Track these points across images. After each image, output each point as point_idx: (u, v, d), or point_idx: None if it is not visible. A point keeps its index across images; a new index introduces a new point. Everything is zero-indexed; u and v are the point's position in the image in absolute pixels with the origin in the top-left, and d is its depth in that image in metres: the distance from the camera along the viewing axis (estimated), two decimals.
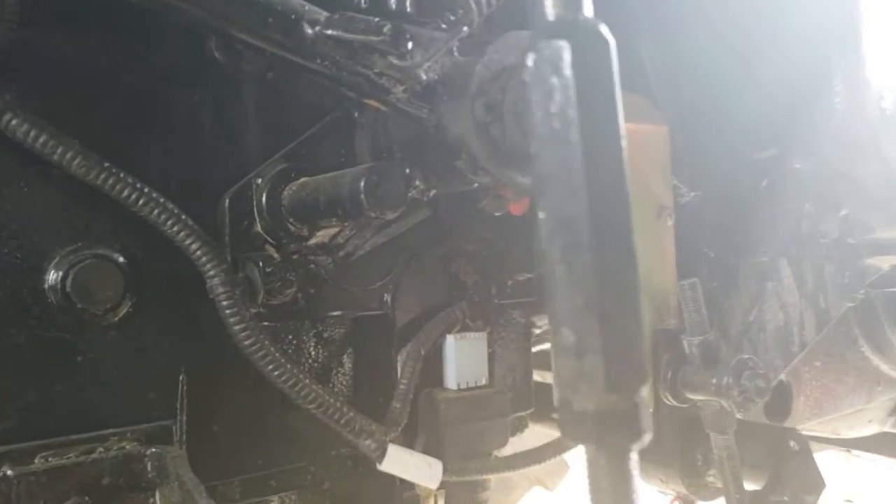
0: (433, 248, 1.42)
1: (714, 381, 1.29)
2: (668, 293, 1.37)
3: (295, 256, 1.24)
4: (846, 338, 1.91)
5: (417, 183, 1.22)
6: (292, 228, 1.22)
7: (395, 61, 0.99)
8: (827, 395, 1.94)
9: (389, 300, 1.37)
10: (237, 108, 1.26)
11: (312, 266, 1.28)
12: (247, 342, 1.13)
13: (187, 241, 1.11)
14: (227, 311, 1.12)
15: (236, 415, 1.24)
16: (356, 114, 1.29)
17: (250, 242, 1.23)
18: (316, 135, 1.29)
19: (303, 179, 1.20)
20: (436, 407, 1.34)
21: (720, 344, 1.32)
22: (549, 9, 0.65)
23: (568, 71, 0.63)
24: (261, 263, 1.16)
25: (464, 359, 1.37)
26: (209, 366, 1.21)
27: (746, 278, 1.42)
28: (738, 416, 1.30)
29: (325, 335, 1.33)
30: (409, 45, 1.00)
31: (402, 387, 1.31)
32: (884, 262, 1.59)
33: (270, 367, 1.14)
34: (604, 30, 0.64)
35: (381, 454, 1.20)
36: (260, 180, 1.23)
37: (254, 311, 1.23)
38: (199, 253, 1.11)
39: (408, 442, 1.35)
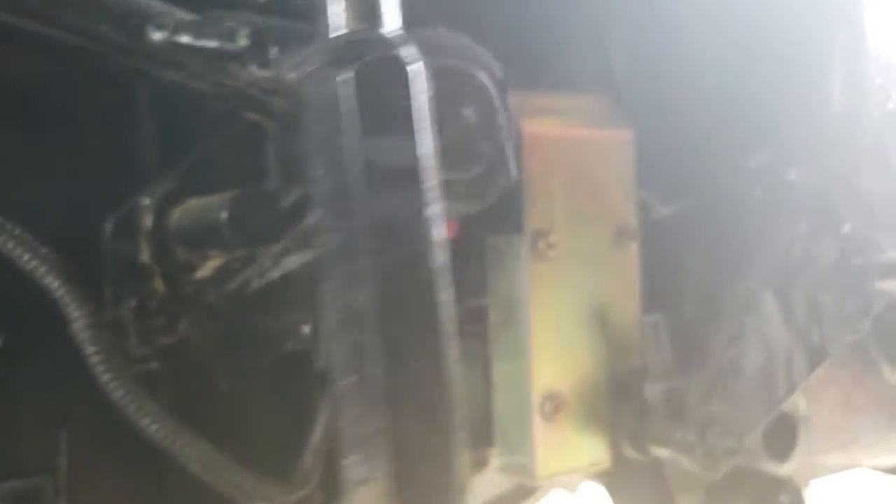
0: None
1: (678, 435, 1.10)
2: (631, 328, 1.18)
3: (189, 289, 1.08)
4: (863, 361, 1.68)
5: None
6: (181, 257, 1.06)
7: (257, 71, 0.82)
8: (841, 426, 1.72)
9: (310, 337, 1.21)
10: (127, 117, 1.11)
11: (211, 300, 1.12)
12: (116, 393, 0.98)
13: (46, 277, 0.96)
14: (93, 358, 0.97)
15: (127, 471, 1.10)
16: (266, 123, 1.12)
17: (137, 275, 1.08)
18: (216, 148, 1.12)
19: (190, 201, 1.05)
20: None
21: (688, 391, 1.12)
22: (336, 20, 0.47)
23: (346, 111, 0.46)
24: (133, 302, 1.00)
25: None
26: (96, 416, 1.06)
27: (729, 311, 1.22)
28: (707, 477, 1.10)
29: (227, 379, 1.17)
30: (274, 51, 0.83)
31: (314, 438, 1.15)
32: None
33: (144, 420, 0.99)
34: (406, 53, 0.46)
35: None
36: (147, 202, 1.07)
37: (141, 352, 1.09)
38: (60, 291, 0.96)
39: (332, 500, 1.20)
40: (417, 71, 0.47)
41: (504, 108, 0.97)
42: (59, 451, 1.06)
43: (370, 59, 0.45)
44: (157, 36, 0.82)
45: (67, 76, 1.07)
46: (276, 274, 1.10)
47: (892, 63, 1.17)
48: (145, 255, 1.07)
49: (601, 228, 1.15)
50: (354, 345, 0.46)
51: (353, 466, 0.46)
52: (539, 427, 1.10)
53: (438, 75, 0.88)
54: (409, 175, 0.47)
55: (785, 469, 1.62)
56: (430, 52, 0.90)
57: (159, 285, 1.07)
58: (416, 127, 0.47)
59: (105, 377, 0.97)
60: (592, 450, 1.15)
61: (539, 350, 1.10)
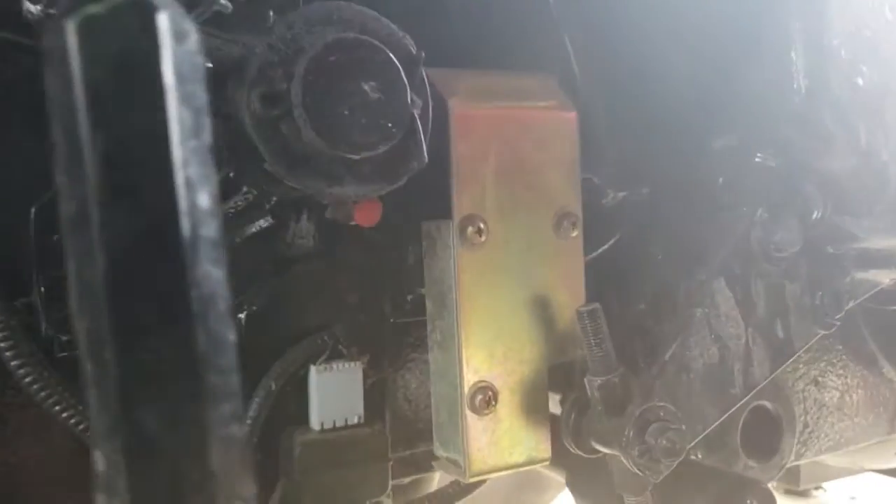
0: (303, 262, 1.22)
1: (617, 432, 1.04)
2: (573, 320, 1.11)
3: None
4: (861, 356, 1.59)
5: (246, 190, 1.03)
6: None
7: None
8: (837, 426, 1.63)
9: (243, 324, 1.18)
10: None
11: None
12: (26, 379, 0.96)
13: None
14: (2, 344, 0.96)
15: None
16: None
17: (60, 261, 1.06)
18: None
19: None
20: (290, 451, 1.14)
21: (630, 386, 1.06)
22: None
23: (77, 64, 0.42)
24: (42, 288, 0.99)
25: (329, 393, 1.16)
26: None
27: (682, 303, 1.14)
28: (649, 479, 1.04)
29: None
30: None
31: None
32: (882, 277, 1.27)
33: (56, 408, 0.98)
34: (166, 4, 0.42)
35: None
36: None
37: (64, 338, 1.08)
38: None
39: (268, 495, 1.17)
40: (174, 24, 0.42)
41: (414, 85, 0.92)
42: None
43: (110, 3, 0.41)
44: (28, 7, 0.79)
45: None
46: None
47: (860, 35, 1.08)
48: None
49: (539, 214, 1.09)
50: (89, 327, 0.42)
51: (96, 460, 0.42)
52: (470, 421, 1.05)
53: (335, 48, 0.85)
54: (152, 139, 0.42)
55: (768, 471, 1.54)
56: (327, 24, 0.87)
57: None
58: (165, 86, 0.42)
59: (13, 363, 0.96)
60: (529, 446, 1.10)
61: (469, 341, 1.05)
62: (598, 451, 1.10)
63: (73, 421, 0.98)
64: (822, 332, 1.22)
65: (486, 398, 1.05)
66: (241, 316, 1.18)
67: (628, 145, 1.23)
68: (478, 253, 1.05)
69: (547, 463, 1.12)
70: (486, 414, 1.06)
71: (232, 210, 1.04)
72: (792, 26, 1.06)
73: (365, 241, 1.25)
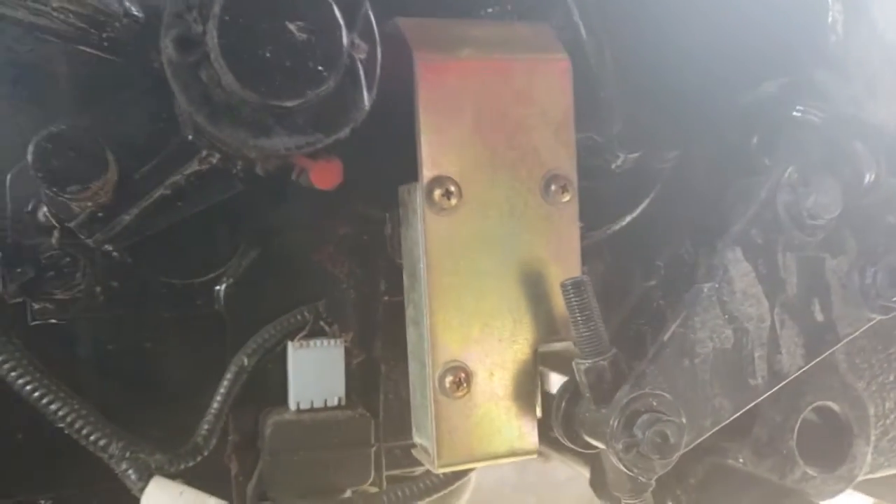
0: (288, 232, 1.15)
1: (604, 423, 0.90)
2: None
3: (90, 242, 1.02)
4: None
5: (205, 153, 0.97)
6: (75, 209, 1.01)
7: None
8: None
9: (222, 297, 1.13)
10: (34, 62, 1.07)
11: (115, 255, 1.07)
12: None
13: None
14: None
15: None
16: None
17: (37, 228, 1.05)
18: (126, 98, 1.06)
19: None
20: (263, 431, 1.08)
21: (622, 371, 0.92)
22: None
23: None
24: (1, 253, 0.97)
25: (306, 372, 1.09)
26: None
27: (697, 279, 0.99)
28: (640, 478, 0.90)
29: (133, 337, 1.11)
30: None
31: (213, 407, 1.06)
32: None
33: (12, 374, 0.95)
34: None
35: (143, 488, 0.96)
36: None
37: (38, 306, 1.06)
38: None
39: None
40: None
41: (357, 26, 0.83)
42: None
43: None
44: None
45: None
46: (157, 225, 1.02)
47: None
48: (44, 208, 1.03)
49: (524, 176, 0.97)
50: None
51: None
52: (439, 404, 0.95)
53: None
54: None
55: (833, 482, 1.34)
56: None
57: (56, 238, 1.03)
58: None
59: None
60: (511, 435, 0.98)
61: (438, 316, 0.95)
62: (593, 446, 0.96)
63: (32, 391, 0.96)
64: (878, 318, 1.02)
65: (456, 379, 0.95)
66: (220, 288, 1.13)
67: (642, 102, 1.09)
68: (449, 218, 0.95)
69: (534, 455, 1.00)
70: (459, 397, 0.95)
71: (194, 177, 0.99)
72: None
73: (355, 209, 1.17)
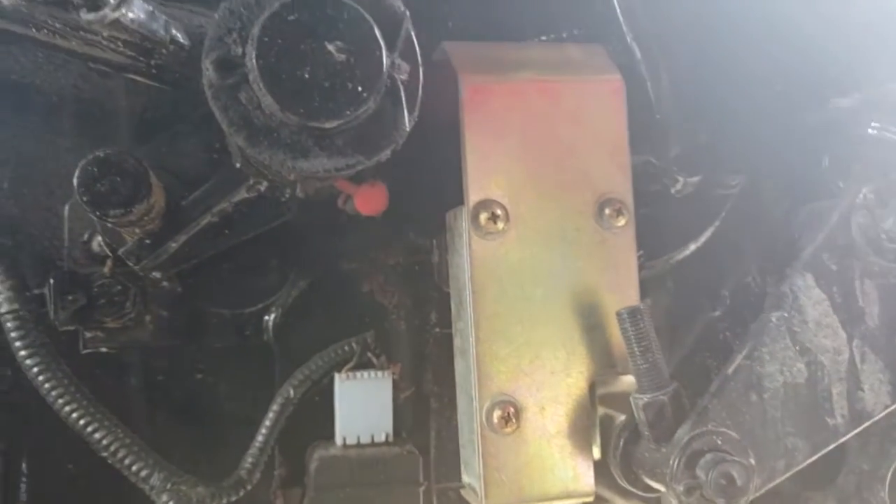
0: (337, 263, 1.13)
1: (664, 465, 0.84)
2: None
3: (136, 269, 1.03)
4: None
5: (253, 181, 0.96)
6: (126, 238, 1.02)
7: (85, 15, 0.75)
8: None
9: (271, 327, 1.11)
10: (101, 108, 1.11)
11: (165, 284, 1.07)
12: (33, 369, 0.95)
13: None
14: (13, 333, 0.96)
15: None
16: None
17: (91, 258, 1.06)
18: (180, 130, 1.08)
19: None
20: (309, 466, 1.05)
21: (684, 407, 0.86)
22: None
23: None
24: (51, 280, 0.98)
25: (353, 405, 1.06)
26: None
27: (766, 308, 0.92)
28: None
29: (182, 367, 1.11)
30: None
31: (258, 440, 1.04)
32: None
33: (60, 400, 0.95)
34: None
35: None
36: None
37: (89, 335, 1.06)
38: None
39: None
40: None
41: (398, 46, 0.81)
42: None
43: None
44: None
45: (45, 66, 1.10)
46: (204, 253, 1.02)
47: None
48: (98, 238, 1.05)
49: (576, 200, 0.93)
50: None
51: None
52: (486, 441, 0.90)
53: (295, 5, 0.77)
54: None
55: None
56: None
57: (109, 267, 1.04)
58: None
59: (22, 352, 0.96)
60: (565, 476, 0.92)
61: (485, 347, 0.91)
62: (654, 489, 0.90)
63: (78, 419, 0.96)
64: None
65: (505, 414, 0.90)
66: (269, 318, 1.11)
67: (702, 124, 1.03)
68: (495, 243, 0.91)
69: (590, 499, 0.93)
70: (508, 433, 0.90)
71: (242, 205, 0.99)
72: None
73: (404, 241, 1.15)
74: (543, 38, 1.17)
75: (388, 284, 1.15)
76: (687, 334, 1.05)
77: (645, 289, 1.18)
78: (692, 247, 1.15)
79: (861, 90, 0.92)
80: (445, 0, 1.23)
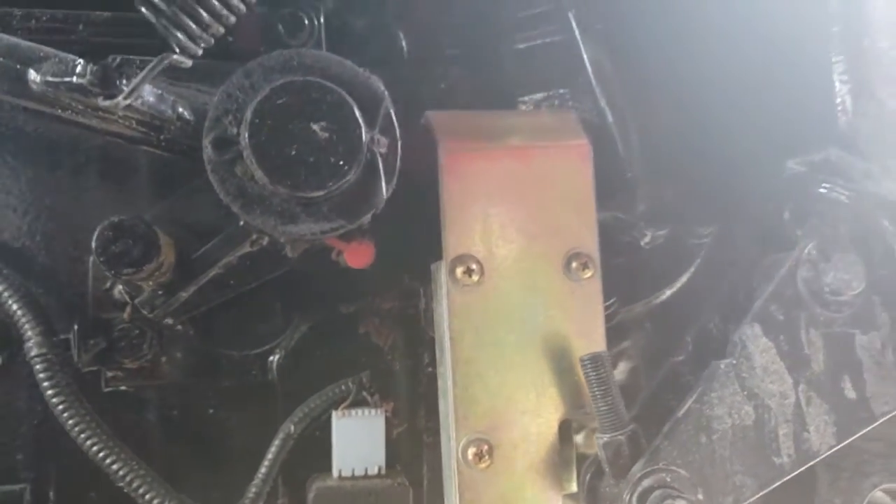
0: (336, 308, 1.23)
1: (625, 498, 0.92)
2: None
3: (151, 316, 1.14)
4: None
5: (256, 237, 1.07)
6: (144, 287, 1.13)
7: (102, 101, 0.87)
8: None
9: (275, 367, 1.21)
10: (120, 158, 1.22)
11: (179, 328, 1.18)
12: (59, 407, 1.06)
13: (5, 300, 1.08)
14: (41, 375, 1.07)
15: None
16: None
17: (113, 304, 1.18)
18: (195, 187, 1.19)
19: None
20: (307, 496, 1.14)
21: (641, 446, 0.93)
22: None
23: None
24: (76, 326, 1.09)
25: (348, 440, 1.15)
26: None
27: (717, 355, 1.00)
28: None
29: (195, 403, 1.21)
30: (124, 82, 0.87)
31: (261, 471, 1.14)
32: None
33: (82, 435, 1.06)
34: None
35: None
36: None
37: (111, 374, 1.18)
38: (19, 313, 1.08)
39: None
40: None
41: (378, 123, 0.91)
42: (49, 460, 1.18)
43: None
44: (35, 77, 0.90)
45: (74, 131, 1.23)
46: (214, 300, 1.13)
47: None
48: (119, 285, 1.16)
49: (545, 254, 1.02)
50: None
51: None
52: (461, 475, 0.99)
53: (283, 91, 0.87)
54: None
55: None
56: (285, 71, 0.90)
57: (128, 314, 1.15)
58: None
59: (49, 391, 1.07)
60: None
61: (460, 388, 0.99)
62: None
63: (98, 451, 1.06)
64: None
65: (479, 451, 0.98)
66: (273, 359, 1.22)
67: (669, 181, 1.12)
68: (471, 295, 1.00)
69: None
70: (482, 469, 0.99)
71: (246, 258, 1.09)
72: (832, 31, 0.91)
73: (401, 285, 1.24)
74: (534, 96, 1.28)
75: (383, 327, 1.24)
76: (652, 377, 1.13)
77: (625, 331, 1.28)
78: (668, 293, 1.24)
79: (809, 153, 0.99)
80: (440, 63, 1.35)
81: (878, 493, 1.28)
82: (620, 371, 1.29)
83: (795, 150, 1.02)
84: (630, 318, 1.25)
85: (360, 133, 0.88)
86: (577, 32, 1.13)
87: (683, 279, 1.23)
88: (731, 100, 1.10)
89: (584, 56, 1.12)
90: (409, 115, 1.10)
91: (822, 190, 1.02)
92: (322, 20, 1.19)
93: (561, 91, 1.30)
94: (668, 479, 0.89)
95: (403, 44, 1.36)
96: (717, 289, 1.15)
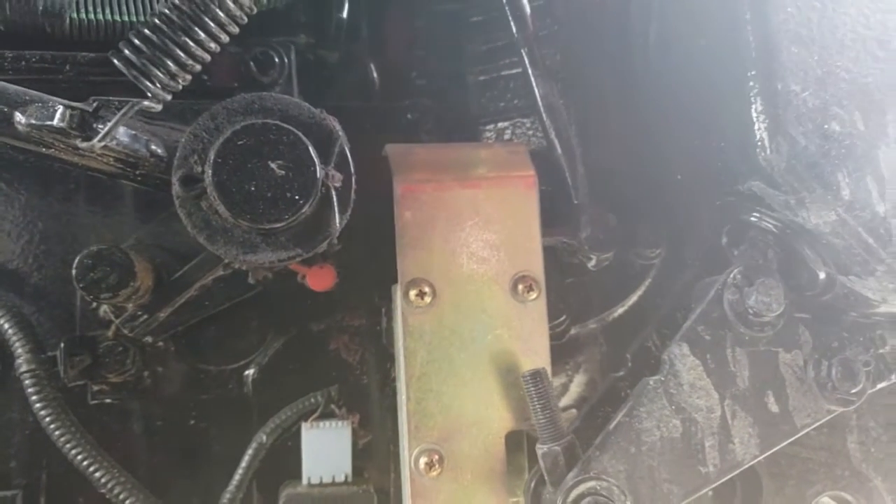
0: (308, 325, 1.32)
1: None
2: None
3: (131, 334, 1.23)
4: None
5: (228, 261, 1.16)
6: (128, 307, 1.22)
7: (80, 143, 0.96)
8: None
9: (250, 382, 1.30)
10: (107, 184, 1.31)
11: (160, 344, 1.27)
12: (46, 419, 1.15)
13: None
14: (29, 389, 1.16)
15: None
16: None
17: (98, 322, 1.27)
18: (175, 212, 1.27)
19: None
20: (278, 503, 1.23)
21: (577, 456, 1.01)
22: None
23: None
24: (63, 344, 1.18)
25: (317, 450, 1.23)
26: None
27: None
28: None
29: (176, 415, 1.30)
30: (101, 126, 0.96)
31: (235, 478, 1.22)
32: None
33: (67, 445, 1.15)
34: None
35: None
36: None
37: (96, 388, 1.26)
38: (10, 331, 1.17)
39: None
40: None
41: (333, 160, 1.00)
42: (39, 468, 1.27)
43: None
44: (21, 119, 0.99)
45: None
46: (190, 319, 1.22)
47: (834, 77, 0.97)
48: (103, 306, 1.25)
49: (493, 278, 1.10)
50: None
51: None
52: (414, 483, 1.07)
53: (243, 133, 0.96)
54: None
55: None
56: (247, 113, 0.99)
57: (112, 332, 1.24)
58: None
59: (37, 405, 1.16)
60: None
61: (414, 403, 1.08)
62: None
63: (82, 460, 1.15)
64: (838, 410, 1.06)
65: (430, 460, 1.07)
66: (248, 374, 1.30)
67: (613, 207, 1.20)
68: (423, 316, 1.08)
69: None
70: (433, 477, 1.07)
71: (220, 281, 1.18)
72: (748, 74, 0.99)
73: (370, 303, 1.33)
74: (499, 125, 1.37)
75: (352, 343, 1.33)
76: (595, 390, 1.21)
77: (580, 346, 1.36)
78: (619, 310, 1.32)
79: (737, 184, 1.07)
80: (409, 94, 1.44)
81: (823, 499, 1.36)
82: (578, 384, 1.38)
83: (727, 181, 1.10)
84: (584, 333, 1.33)
85: (315, 170, 0.97)
86: (528, 68, 1.20)
87: (633, 298, 1.31)
88: (672, 132, 1.18)
89: (535, 90, 1.20)
90: (381, 144, 1.20)
91: (752, 218, 1.10)
92: (293, 57, 1.28)
93: (524, 120, 1.39)
94: (598, 488, 0.97)
95: (375, 75, 1.45)
96: (652, 309, 1.22)
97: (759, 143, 0.99)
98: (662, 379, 1.02)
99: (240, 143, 0.95)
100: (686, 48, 1.12)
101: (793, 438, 1.05)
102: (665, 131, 1.19)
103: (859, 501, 1.34)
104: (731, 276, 1.04)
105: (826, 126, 0.97)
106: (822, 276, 1.06)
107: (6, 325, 1.17)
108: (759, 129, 0.99)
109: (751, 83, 0.99)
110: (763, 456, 1.04)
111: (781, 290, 1.03)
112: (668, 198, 1.24)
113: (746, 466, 1.03)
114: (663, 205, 1.25)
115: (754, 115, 0.99)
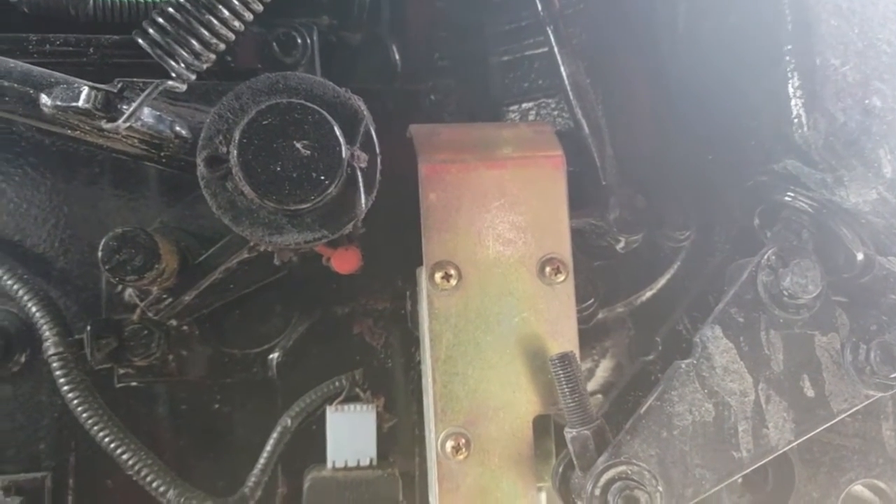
0: (332, 309, 1.31)
1: (586, 491, 0.98)
2: None
3: (156, 317, 1.23)
4: None
5: (253, 244, 1.15)
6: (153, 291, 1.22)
7: (105, 124, 0.95)
8: None
9: (274, 365, 1.29)
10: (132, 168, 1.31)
11: (185, 328, 1.27)
12: (73, 402, 1.15)
13: (26, 302, 1.18)
14: (57, 372, 1.16)
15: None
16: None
17: (124, 306, 1.27)
18: (200, 195, 1.27)
19: None
20: (304, 486, 1.22)
21: (606, 440, 1.00)
22: None
23: None
24: (89, 327, 1.18)
25: (341, 434, 1.23)
26: None
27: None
28: None
29: (201, 399, 1.30)
30: (125, 107, 0.95)
31: (260, 462, 1.22)
32: None
33: (94, 427, 1.15)
34: None
35: None
36: None
37: (122, 371, 1.26)
38: (37, 315, 1.18)
39: None
40: None
41: (358, 140, 0.98)
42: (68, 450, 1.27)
43: None
44: (47, 102, 0.98)
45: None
46: (214, 303, 1.21)
47: (874, 51, 0.94)
48: (128, 289, 1.25)
49: (520, 260, 1.08)
50: None
51: None
52: (441, 466, 1.06)
53: (269, 112, 0.95)
54: None
55: None
56: (272, 93, 0.97)
57: (137, 315, 1.24)
58: None
59: (65, 387, 1.16)
60: (512, 494, 1.06)
61: (439, 385, 1.06)
62: None
63: (109, 442, 1.15)
64: (877, 395, 1.03)
65: (457, 444, 1.05)
66: (272, 357, 1.30)
67: (642, 189, 1.17)
68: (449, 299, 1.07)
69: None
70: (460, 460, 1.06)
71: (244, 264, 1.17)
72: (784, 49, 0.96)
73: (394, 286, 1.32)
74: (523, 105, 1.35)
75: (376, 327, 1.32)
76: (622, 375, 1.19)
77: (607, 330, 1.34)
78: (648, 294, 1.29)
79: (771, 163, 1.04)
80: (432, 75, 1.42)
81: (857, 487, 1.33)
82: (604, 369, 1.36)
83: (760, 160, 1.07)
84: (612, 317, 1.31)
85: (340, 150, 0.95)
86: (555, 47, 1.18)
87: (662, 281, 1.29)
88: (701, 112, 1.15)
89: (562, 69, 1.17)
90: (403, 125, 1.18)
91: (786, 198, 1.07)
92: (315, 38, 1.27)
93: (548, 101, 1.36)
94: (629, 472, 0.95)
95: (397, 57, 1.43)
96: (684, 291, 1.20)
97: (796, 121, 0.96)
98: (695, 362, 1.00)
99: (265, 122, 0.94)
100: (716, 24, 1.09)
101: (829, 424, 1.03)
102: (694, 110, 1.17)
103: (893, 490, 1.31)
104: (766, 256, 1.02)
105: (867, 101, 0.93)
106: (860, 256, 1.03)
107: (34, 309, 1.18)
108: (796, 105, 0.96)
109: (787, 58, 0.96)
110: (798, 441, 1.02)
111: (818, 271, 1.00)
112: (698, 179, 1.21)
113: (781, 452, 1.01)
114: (693, 186, 1.22)
115: (790, 91, 0.96)
